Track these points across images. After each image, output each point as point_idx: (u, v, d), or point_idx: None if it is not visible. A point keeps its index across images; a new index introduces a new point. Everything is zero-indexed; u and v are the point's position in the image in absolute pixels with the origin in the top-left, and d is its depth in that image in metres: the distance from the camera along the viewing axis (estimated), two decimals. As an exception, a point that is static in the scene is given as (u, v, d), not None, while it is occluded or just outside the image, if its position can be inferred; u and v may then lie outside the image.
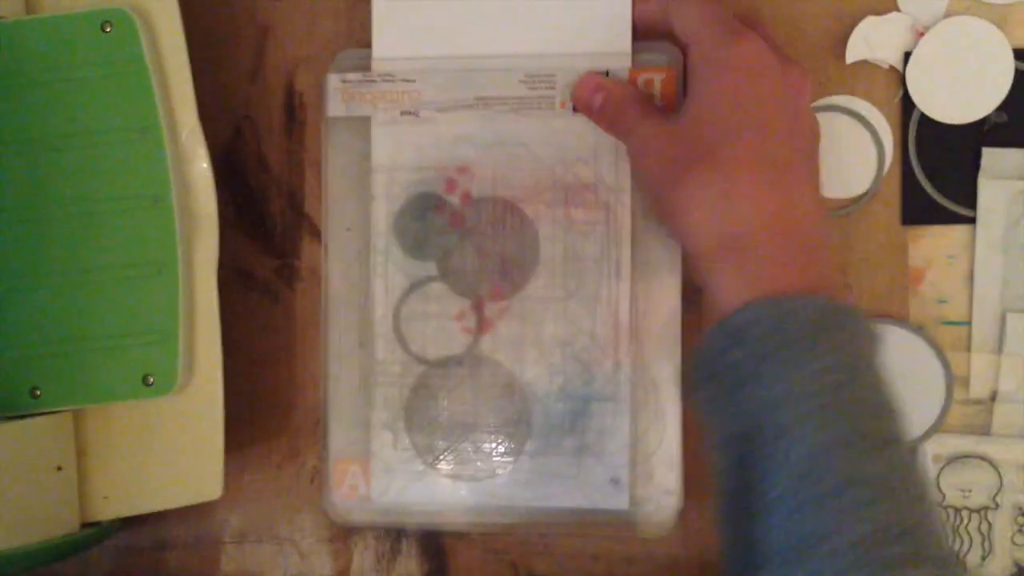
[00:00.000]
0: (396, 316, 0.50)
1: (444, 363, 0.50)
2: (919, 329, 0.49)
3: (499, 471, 0.49)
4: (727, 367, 0.40)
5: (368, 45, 0.50)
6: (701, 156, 0.42)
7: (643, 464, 0.49)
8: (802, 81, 0.45)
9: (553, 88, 0.49)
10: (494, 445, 0.49)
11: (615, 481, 0.48)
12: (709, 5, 0.45)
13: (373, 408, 0.50)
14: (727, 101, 0.43)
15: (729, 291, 0.41)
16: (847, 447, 0.37)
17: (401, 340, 0.50)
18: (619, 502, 0.48)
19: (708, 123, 0.43)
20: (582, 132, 0.49)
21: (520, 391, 0.49)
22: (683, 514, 0.50)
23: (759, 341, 0.39)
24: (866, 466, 0.37)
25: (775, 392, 0.39)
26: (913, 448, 0.40)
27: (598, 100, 0.47)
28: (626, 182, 0.48)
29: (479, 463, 0.49)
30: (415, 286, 0.50)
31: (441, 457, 0.50)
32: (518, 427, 0.49)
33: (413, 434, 0.50)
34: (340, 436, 0.51)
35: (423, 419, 0.50)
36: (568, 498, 0.49)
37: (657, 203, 0.45)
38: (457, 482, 0.49)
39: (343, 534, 0.52)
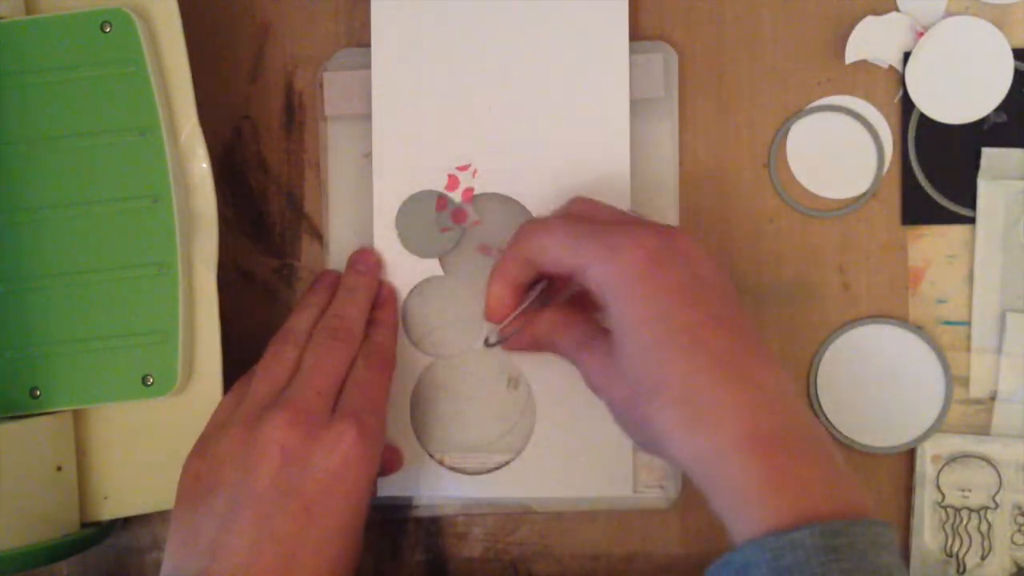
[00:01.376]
0: (400, 312, 0.50)
1: (448, 357, 0.50)
2: (919, 329, 0.49)
3: (505, 463, 0.49)
4: None
5: (368, 45, 0.50)
6: (648, 392, 0.40)
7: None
8: (690, 245, 0.42)
9: (552, 85, 0.49)
10: (499, 437, 0.50)
11: (619, 468, 0.49)
12: (544, 237, 0.43)
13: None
14: (633, 321, 0.40)
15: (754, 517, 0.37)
16: None
17: (406, 335, 0.50)
18: (623, 488, 0.49)
19: (631, 354, 0.40)
20: (582, 127, 0.49)
21: (524, 383, 0.50)
22: (683, 512, 0.50)
23: None
24: None
25: None
26: None
27: (525, 342, 0.46)
28: (626, 174, 0.48)
29: (485, 455, 0.50)
30: (418, 283, 0.50)
31: (447, 450, 0.50)
32: (523, 419, 0.50)
33: (419, 428, 0.50)
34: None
35: (429, 413, 0.50)
36: (573, 487, 0.49)
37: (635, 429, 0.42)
38: (463, 474, 0.50)
39: (343, 534, 0.52)
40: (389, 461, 0.49)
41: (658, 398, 0.39)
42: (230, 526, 0.40)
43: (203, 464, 0.43)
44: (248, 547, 0.40)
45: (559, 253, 0.43)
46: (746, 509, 0.37)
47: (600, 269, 0.41)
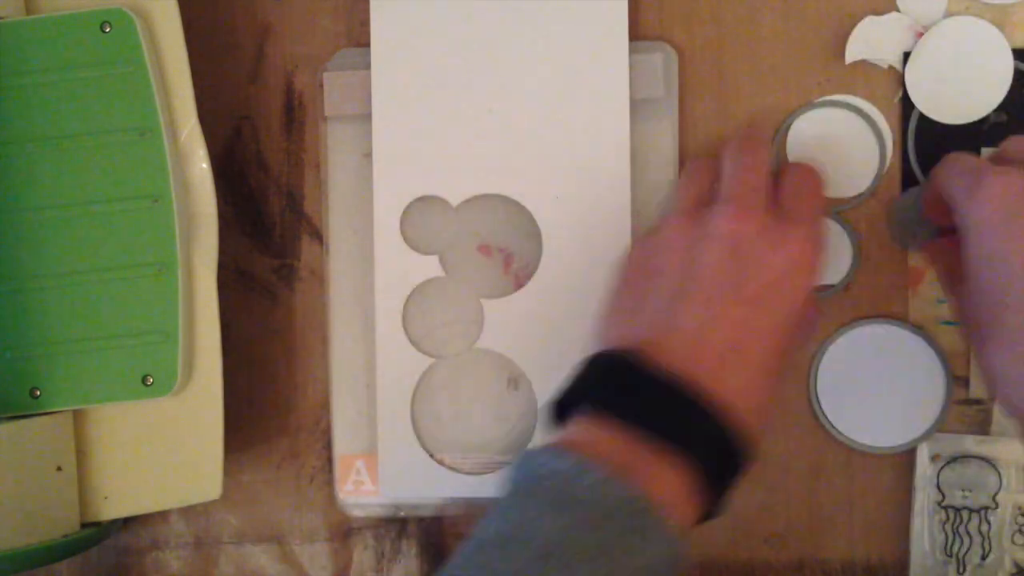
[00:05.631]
0: (400, 312, 0.50)
1: (449, 357, 0.50)
2: (919, 329, 0.49)
3: (505, 463, 0.50)
4: None
5: (368, 45, 0.50)
6: (986, 329, 0.41)
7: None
8: None
9: (551, 85, 0.49)
10: (500, 437, 0.50)
11: None
12: (949, 166, 0.43)
13: (378, 403, 0.50)
14: (978, 259, 0.40)
15: None
16: None
17: (406, 335, 0.50)
18: None
19: (972, 292, 0.41)
20: (582, 127, 0.49)
21: (524, 383, 0.50)
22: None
23: None
24: None
25: None
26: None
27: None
28: (626, 174, 0.48)
29: (485, 455, 0.50)
30: (418, 283, 0.50)
31: (447, 451, 0.50)
32: (523, 419, 0.50)
33: (419, 428, 0.50)
34: (345, 431, 0.51)
35: (428, 413, 0.50)
36: None
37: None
38: (463, 476, 0.50)
39: (343, 534, 0.52)
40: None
41: (991, 342, 0.40)
42: (677, 306, 0.41)
43: (646, 252, 0.44)
44: (697, 326, 0.40)
45: (944, 183, 0.43)
46: None
47: (962, 203, 0.41)
